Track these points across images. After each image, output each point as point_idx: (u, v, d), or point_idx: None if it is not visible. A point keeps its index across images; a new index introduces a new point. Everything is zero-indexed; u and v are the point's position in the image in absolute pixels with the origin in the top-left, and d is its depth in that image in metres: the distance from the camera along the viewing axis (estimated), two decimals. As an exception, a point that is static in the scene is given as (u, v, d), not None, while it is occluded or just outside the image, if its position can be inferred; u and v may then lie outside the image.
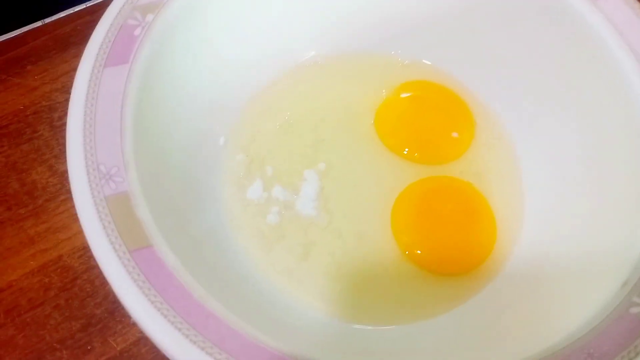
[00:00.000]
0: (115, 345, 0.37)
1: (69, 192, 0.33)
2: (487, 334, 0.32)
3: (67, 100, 0.32)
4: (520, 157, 0.42)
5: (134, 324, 0.38)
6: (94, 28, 0.34)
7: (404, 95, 0.45)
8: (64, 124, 0.31)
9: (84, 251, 0.40)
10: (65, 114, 0.31)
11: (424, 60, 0.46)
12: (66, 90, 0.46)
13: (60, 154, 0.44)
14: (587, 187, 0.36)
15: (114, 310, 0.39)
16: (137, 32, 0.34)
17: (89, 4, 0.51)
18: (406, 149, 0.42)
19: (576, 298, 0.30)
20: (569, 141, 0.39)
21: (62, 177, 0.43)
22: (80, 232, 0.28)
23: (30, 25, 0.50)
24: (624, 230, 0.32)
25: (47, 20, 0.50)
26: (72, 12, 0.50)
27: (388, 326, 0.36)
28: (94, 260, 0.27)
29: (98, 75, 0.32)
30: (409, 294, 0.38)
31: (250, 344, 0.26)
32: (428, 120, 0.44)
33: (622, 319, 0.27)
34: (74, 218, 0.42)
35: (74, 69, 0.32)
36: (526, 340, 0.29)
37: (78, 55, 0.33)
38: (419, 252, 0.38)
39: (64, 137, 0.31)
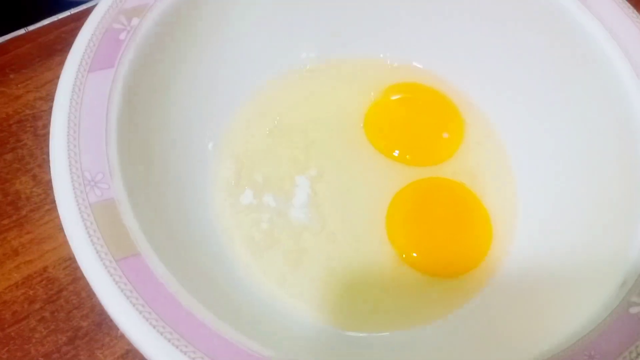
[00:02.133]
0: (103, 358, 0.36)
1: (53, 202, 0.32)
2: (485, 338, 0.32)
3: (51, 108, 0.31)
4: (511, 155, 0.42)
5: (122, 337, 0.37)
6: (79, 35, 0.33)
7: (393, 97, 0.45)
8: (48, 133, 0.30)
9: (70, 262, 0.39)
10: (50, 122, 0.30)
11: (413, 63, 0.46)
12: (50, 98, 0.45)
13: (44, 163, 0.43)
14: (582, 186, 0.36)
15: (102, 323, 0.37)
16: (122, 36, 0.33)
17: (73, 11, 0.50)
18: (397, 151, 0.42)
19: (575, 299, 0.30)
20: (560, 138, 0.39)
21: (47, 187, 0.42)
22: (65, 243, 0.27)
23: (13, 33, 0.49)
24: (621, 230, 0.31)
25: (31, 27, 0.49)
26: (55, 19, 0.49)
27: (383, 332, 0.36)
28: (80, 271, 0.26)
29: (82, 79, 0.31)
30: (405, 298, 0.37)
31: (242, 352, 0.25)
32: (418, 121, 0.44)
33: (622, 319, 0.27)
34: (59, 228, 0.40)
35: (58, 77, 0.32)
36: (525, 342, 0.29)
37: (62, 63, 0.32)
38: (415, 255, 0.38)
39: (48, 146, 0.30)
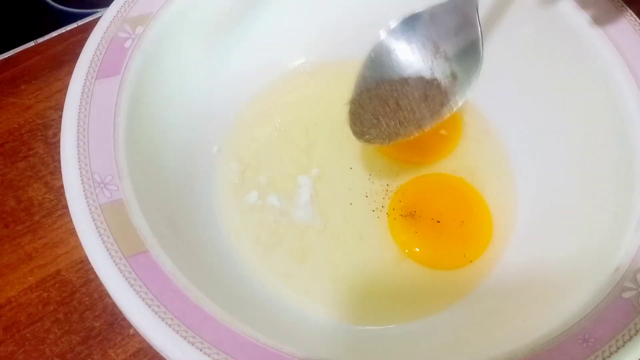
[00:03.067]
0: (115, 357, 0.37)
1: (65, 207, 0.33)
2: (488, 325, 0.33)
3: (61, 117, 0.32)
4: (509, 152, 0.43)
5: (134, 335, 0.38)
6: (86, 45, 0.34)
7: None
8: (59, 141, 0.32)
9: (82, 265, 0.41)
10: (60, 130, 0.31)
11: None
12: (60, 107, 0.47)
13: (55, 170, 0.44)
14: (578, 180, 0.37)
15: (113, 322, 0.38)
16: (127, 44, 0.34)
17: (79, 22, 0.52)
18: (398, 152, 0.43)
19: (571, 286, 0.31)
20: (556, 136, 0.40)
21: (58, 193, 0.44)
22: (77, 246, 0.28)
23: (24, 45, 0.50)
24: (616, 217, 0.32)
25: (40, 40, 0.51)
26: (63, 31, 0.51)
27: (390, 325, 0.36)
28: (92, 273, 0.27)
29: (90, 87, 0.32)
30: (410, 292, 0.38)
31: (248, 343, 0.26)
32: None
33: (616, 304, 0.28)
34: (71, 232, 0.42)
35: (67, 87, 0.33)
36: (524, 328, 0.29)
37: (70, 73, 0.34)
38: (417, 249, 0.39)
39: (59, 154, 0.31)
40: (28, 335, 0.38)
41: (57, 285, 0.40)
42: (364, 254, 0.39)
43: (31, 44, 0.50)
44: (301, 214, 0.40)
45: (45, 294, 0.40)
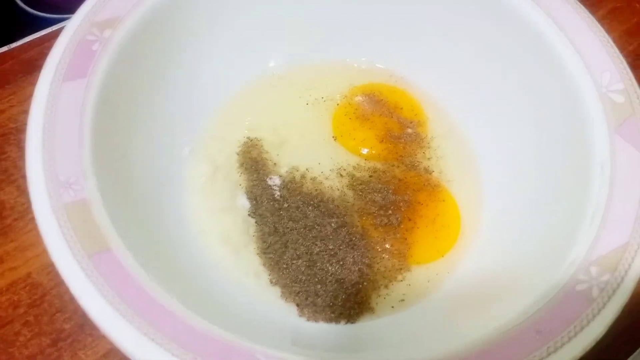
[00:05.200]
0: (85, 359, 0.37)
1: (37, 210, 0.33)
2: (448, 321, 0.33)
3: (34, 121, 0.32)
4: (474, 147, 0.44)
5: (104, 337, 0.38)
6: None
7: (357, 98, 0.47)
8: (30, 144, 0.32)
9: (53, 267, 0.39)
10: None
11: (377, 65, 0.48)
12: (33, 112, 0.47)
13: (28, 174, 0.44)
14: (539, 176, 0.38)
15: (84, 324, 0.39)
16: (95, 47, 0.35)
17: (54, 28, 0.52)
18: (365, 150, 0.44)
19: (529, 279, 0.31)
20: (518, 131, 0.41)
21: (30, 197, 0.44)
22: (48, 249, 0.28)
23: (-3, 50, 0.50)
24: (573, 213, 0.33)
25: (13, 45, 0.51)
26: (37, 36, 0.51)
27: (361, 322, 0.37)
28: (65, 275, 0.28)
29: (57, 89, 0.33)
30: (380, 288, 0.39)
31: (209, 338, 0.26)
32: (382, 119, 0.46)
33: (569, 297, 0.28)
34: (42, 235, 0.42)
35: (39, 90, 0.33)
36: (482, 322, 0.30)
37: (44, 78, 0.34)
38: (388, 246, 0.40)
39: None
40: (-3, 338, 0.38)
41: (27, 287, 0.40)
42: (336, 249, 0.39)
43: (5, 48, 0.50)
44: (272, 214, 0.41)
45: (16, 297, 0.40)
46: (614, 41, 0.38)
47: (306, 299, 0.37)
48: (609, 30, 0.39)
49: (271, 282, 0.38)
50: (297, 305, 0.37)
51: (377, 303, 0.38)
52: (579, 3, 0.39)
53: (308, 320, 0.36)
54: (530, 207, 0.37)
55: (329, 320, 0.36)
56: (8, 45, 0.51)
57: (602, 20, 0.40)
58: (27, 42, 0.51)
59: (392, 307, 0.38)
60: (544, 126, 0.38)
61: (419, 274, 0.39)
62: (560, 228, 0.33)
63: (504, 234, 0.38)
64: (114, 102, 0.35)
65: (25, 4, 0.58)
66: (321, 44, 0.46)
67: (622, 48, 0.48)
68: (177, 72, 0.41)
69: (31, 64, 0.50)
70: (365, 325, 0.37)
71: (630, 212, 0.30)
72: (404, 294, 0.38)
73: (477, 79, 0.43)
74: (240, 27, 0.44)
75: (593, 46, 0.37)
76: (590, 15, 0.38)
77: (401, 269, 0.39)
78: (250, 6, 0.43)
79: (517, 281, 0.33)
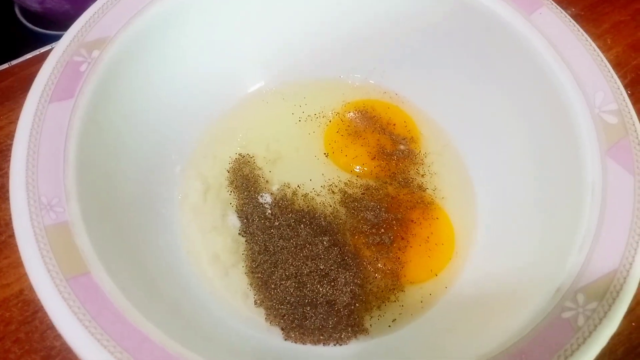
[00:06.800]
0: (73, 377, 0.37)
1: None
2: (437, 345, 0.33)
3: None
4: (468, 164, 0.44)
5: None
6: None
7: (349, 114, 0.46)
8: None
9: None
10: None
11: (370, 81, 0.48)
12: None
13: (23, 190, 0.45)
14: (533, 196, 0.37)
15: (73, 342, 0.39)
16: (82, 67, 0.35)
17: (53, 44, 0.52)
18: (357, 167, 0.43)
19: (515, 306, 0.31)
20: (513, 148, 0.40)
21: (25, 213, 0.44)
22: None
23: (-2, 67, 0.51)
24: (563, 240, 0.32)
25: (14, 62, 0.51)
26: (37, 53, 0.52)
27: (345, 344, 0.36)
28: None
29: (43, 110, 0.33)
30: (373, 310, 0.38)
31: (183, 364, 0.26)
32: (374, 136, 0.45)
33: (555, 324, 0.28)
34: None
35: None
36: (465, 348, 0.29)
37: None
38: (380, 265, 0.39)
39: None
40: (-13, 355, 0.38)
41: (19, 304, 0.40)
42: (327, 269, 0.39)
43: (5, 66, 0.51)
44: (262, 232, 0.40)
45: (8, 314, 0.40)
46: (618, 55, 0.37)
47: (292, 321, 0.36)
48: (613, 44, 0.38)
49: (255, 303, 0.38)
50: (282, 329, 0.37)
51: (370, 325, 0.37)
52: (573, 22, 0.38)
53: (295, 342, 0.36)
54: (522, 229, 0.37)
55: (317, 342, 0.36)
56: (8, 62, 0.51)
57: (605, 34, 0.39)
58: (27, 59, 0.52)
59: (389, 326, 0.37)
60: (538, 145, 0.37)
61: (412, 294, 0.39)
62: (550, 253, 0.32)
63: (495, 255, 0.37)
64: (100, 123, 0.35)
65: (27, 20, 0.59)
66: (315, 60, 0.46)
67: (625, 62, 0.47)
68: (165, 91, 0.41)
69: (30, 81, 0.49)
70: (353, 347, 0.36)
71: (619, 238, 0.30)
72: (399, 314, 0.38)
73: (471, 97, 0.43)
74: (232, 43, 0.44)
75: (588, 67, 0.36)
76: (584, 34, 0.37)
77: (394, 289, 0.39)
78: (242, 23, 0.43)
79: (506, 306, 0.32)
